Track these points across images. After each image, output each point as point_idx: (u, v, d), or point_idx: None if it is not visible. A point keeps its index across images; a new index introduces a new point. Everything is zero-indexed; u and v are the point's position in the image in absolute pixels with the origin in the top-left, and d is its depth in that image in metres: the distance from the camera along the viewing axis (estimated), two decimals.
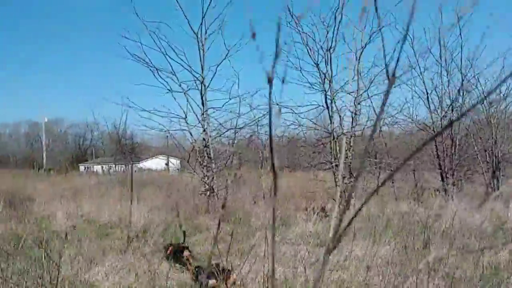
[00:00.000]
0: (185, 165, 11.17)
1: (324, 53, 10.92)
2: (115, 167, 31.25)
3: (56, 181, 21.31)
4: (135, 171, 29.80)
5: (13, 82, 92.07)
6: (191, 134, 10.35)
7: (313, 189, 13.41)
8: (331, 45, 10.74)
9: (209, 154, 10.15)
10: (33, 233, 8.20)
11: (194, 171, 10.38)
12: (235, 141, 11.44)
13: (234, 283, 5.11)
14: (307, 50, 11.04)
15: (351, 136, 11.47)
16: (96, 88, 79.63)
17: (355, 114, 11.54)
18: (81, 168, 46.45)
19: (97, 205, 11.02)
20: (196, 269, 5.44)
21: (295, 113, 11.47)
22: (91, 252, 6.32)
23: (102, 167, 38.06)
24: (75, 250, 6.39)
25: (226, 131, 10.74)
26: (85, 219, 9.59)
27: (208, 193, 10.16)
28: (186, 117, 10.24)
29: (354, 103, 11.52)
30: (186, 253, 6.17)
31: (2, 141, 69.74)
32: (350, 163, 11.12)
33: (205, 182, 10.12)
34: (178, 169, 26.45)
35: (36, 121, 63.93)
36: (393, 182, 16.04)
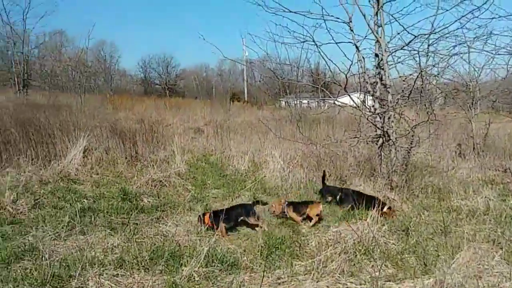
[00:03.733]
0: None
1: None
2: (308, 103, 29.79)
3: (239, 114, 21.05)
4: (327, 108, 27.56)
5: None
6: (357, 49, 6.64)
7: None
8: None
9: (383, 79, 6.33)
10: None
11: (357, 107, 6.77)
12: (428, 58, 6.97)
13: None
14: None
15: None
16: None
17: None
18: (282, 102, 47.48)
19: (244, 146, 9.07)
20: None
21: None
22: None
23: (300, 101, 37.79)
24: None
25: (411, 41, 6.41)
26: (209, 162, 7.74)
27: (380, 140, 6.51)
28: (350, 21, 6.53)
29: None
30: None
31: (223, 77, 79.30)
32: None
33: (375, 124, 6.46)
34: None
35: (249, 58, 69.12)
36: None
